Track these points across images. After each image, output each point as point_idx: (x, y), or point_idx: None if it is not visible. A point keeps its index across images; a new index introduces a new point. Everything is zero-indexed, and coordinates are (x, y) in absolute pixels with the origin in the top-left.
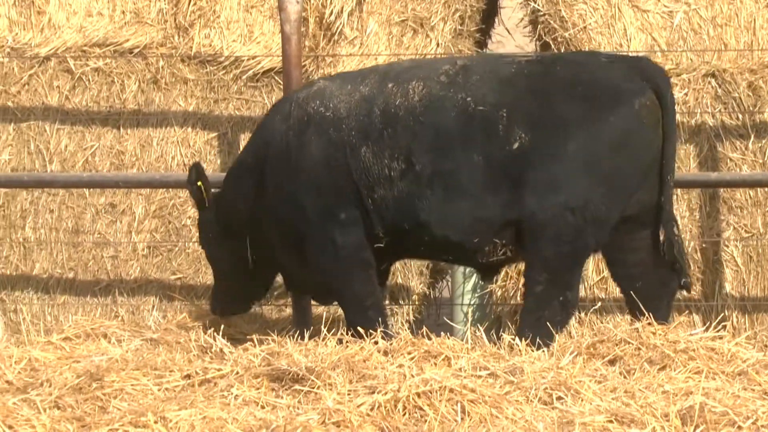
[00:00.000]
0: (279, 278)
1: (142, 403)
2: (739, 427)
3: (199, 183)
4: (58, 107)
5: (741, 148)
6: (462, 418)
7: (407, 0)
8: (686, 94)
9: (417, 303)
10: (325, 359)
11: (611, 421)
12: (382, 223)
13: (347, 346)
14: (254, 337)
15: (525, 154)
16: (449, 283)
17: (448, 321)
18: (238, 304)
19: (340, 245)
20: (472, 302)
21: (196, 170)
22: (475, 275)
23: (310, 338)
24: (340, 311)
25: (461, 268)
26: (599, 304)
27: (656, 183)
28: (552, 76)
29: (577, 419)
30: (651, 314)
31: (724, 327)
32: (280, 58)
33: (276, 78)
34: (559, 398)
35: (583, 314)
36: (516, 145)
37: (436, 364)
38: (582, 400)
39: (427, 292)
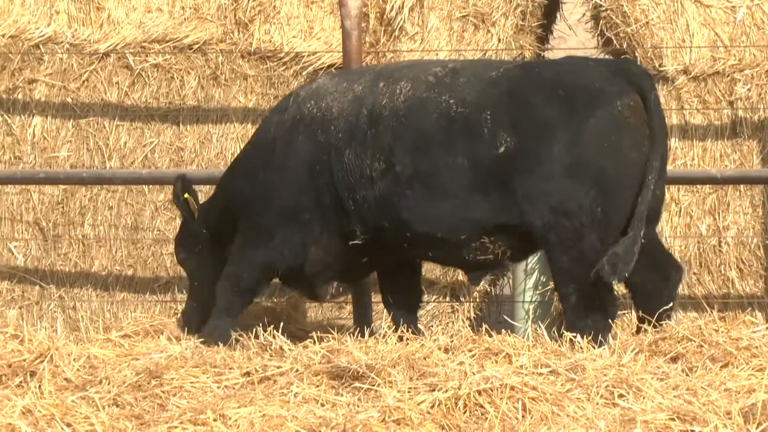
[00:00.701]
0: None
1: (201, 400)
2: None
3: (186, 195)
4: (117, 103)
5: None
6: (523, 416)
7: None
8: (749, 90)
9: (478, 300)
10: (386, 357)
11: (673, 419)
12: (361, 221)
13: (408, 344)
14: (314, 334)
15: (511, 157)
16: (510, 280)
17: (508, 319)
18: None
19: (293, 243)
20: (533, 299)
21: (182, 183)
22: (536, 272)
23: (370, 335)
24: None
25: (523, 266)
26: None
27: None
28: (534, 79)
29: (639, 417)
30: (653, 308)
31: None
32: (341, 54)
33: None
34: (620, 396)
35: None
36: (502, 149)
37: (496, 361)
38: (644, 398)
39: (488, 290)
